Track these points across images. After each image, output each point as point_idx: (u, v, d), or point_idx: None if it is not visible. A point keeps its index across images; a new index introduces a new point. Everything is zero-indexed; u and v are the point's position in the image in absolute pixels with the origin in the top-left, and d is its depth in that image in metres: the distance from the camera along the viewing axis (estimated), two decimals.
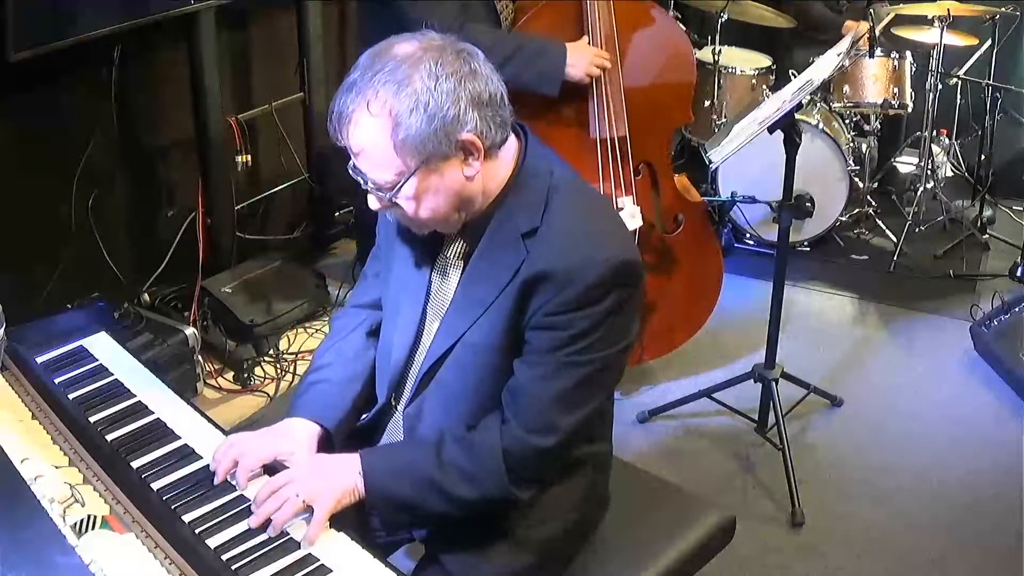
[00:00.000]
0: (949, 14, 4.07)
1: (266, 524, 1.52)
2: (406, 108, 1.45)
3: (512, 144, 1.61)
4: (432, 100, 1.46)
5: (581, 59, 2.82)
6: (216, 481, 1.60)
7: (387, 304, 1.77)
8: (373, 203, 1.58)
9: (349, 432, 1.79)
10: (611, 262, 1.55)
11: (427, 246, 1.70)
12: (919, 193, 4.35)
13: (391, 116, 1.46)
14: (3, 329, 1.78)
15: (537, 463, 1.62)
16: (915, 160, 4.55)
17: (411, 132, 1.46)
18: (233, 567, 1.44)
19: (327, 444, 1.74)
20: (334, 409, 1.76)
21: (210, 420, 1.77)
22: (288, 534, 1.51)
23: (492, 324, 1.60)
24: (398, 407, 1.78)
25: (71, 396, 1.79)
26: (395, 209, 1.56)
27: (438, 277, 1.70)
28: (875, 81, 4.16)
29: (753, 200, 3.48)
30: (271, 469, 1.64)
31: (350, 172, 1.56)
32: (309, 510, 1.54)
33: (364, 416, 1.84)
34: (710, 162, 2.91)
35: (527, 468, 1.62)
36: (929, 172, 4.37)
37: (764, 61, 4.47)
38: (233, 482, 1.61)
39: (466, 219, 1.60)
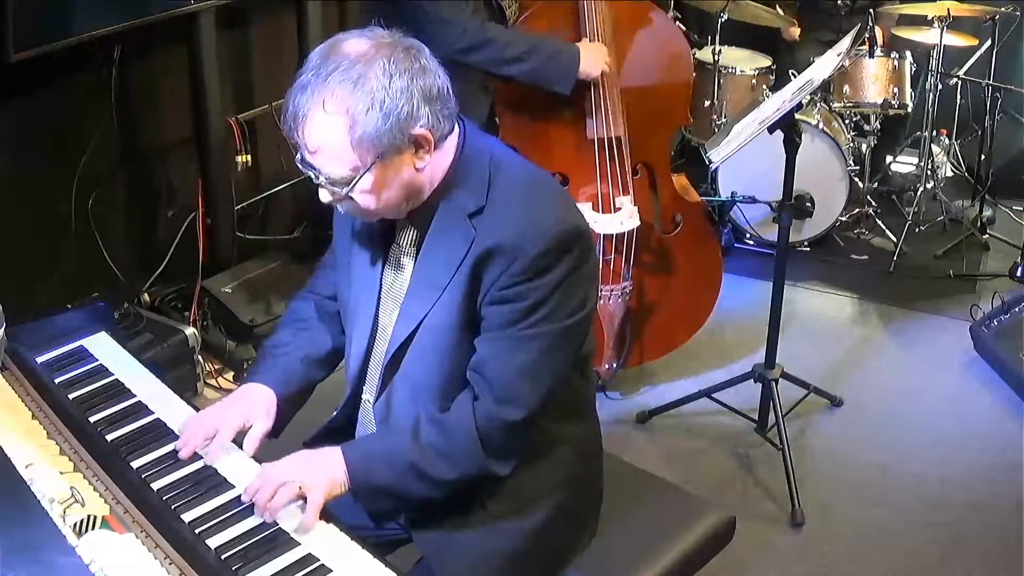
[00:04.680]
0: (949, 14, 4.07)
1: (268, 521, 1.54)
2: (362, 106, 1.49)
3: (453, 131, 1.64)
4: (387, 98, 1.49)
5: (594, 59, 2.84)
6: (184, 456, 1.64)
7: (348, 298, 1.80)
8: (325, 196, 1.61)
9: (300, 405, 1.84)
10: (555, 231, 1.58)
11: (381, 238, 1.73)
12: (919, 193, 4.35)
13: (348, 114, 1.50)
14: (3, 329, 1.78)
15: (510, 436, 1.65)
16: (915, 160, 4.55)
17: (367, 129, 1.50)
18: (233, 567, 1.44)
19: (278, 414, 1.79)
20: (291, 381, 1.81)
21: None
22: (288, 534, 1.52)
23: (449, 306, 1.64)
24: (367, 398, 1.80)
25: (71, 396, 1.79)
26: (348, 202, 1.60)
27: (393, 266, 1.73)
28: (875, 81, 4.17)
29: (753, 200, 3.49)
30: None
31: (299, 166, 1.59)
32: (301, 499, 1.56)
33: (335, 411, 1.87)
34: (710, 162, 2.91)
35: (501, 442, 1.65)
36: (929, 172, 4.37)
37: (764, 61, 4.47)
38: (202, 454, 1.65)
39: (414, 206, 1.64)
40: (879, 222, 4.43)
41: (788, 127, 2.71)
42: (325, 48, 1.54)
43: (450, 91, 1.58)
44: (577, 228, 1.62)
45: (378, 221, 1.68)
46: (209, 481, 1.61)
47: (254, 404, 1.75)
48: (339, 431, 1.86)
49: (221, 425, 1.69)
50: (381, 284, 1.73)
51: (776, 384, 3.00)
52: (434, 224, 1.64)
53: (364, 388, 1.81)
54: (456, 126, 1.65)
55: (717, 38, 4.31)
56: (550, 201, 1.65)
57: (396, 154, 1.54)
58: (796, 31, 4.54)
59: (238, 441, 1.72)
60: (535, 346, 1.61)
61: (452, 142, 1.63)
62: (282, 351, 1.85)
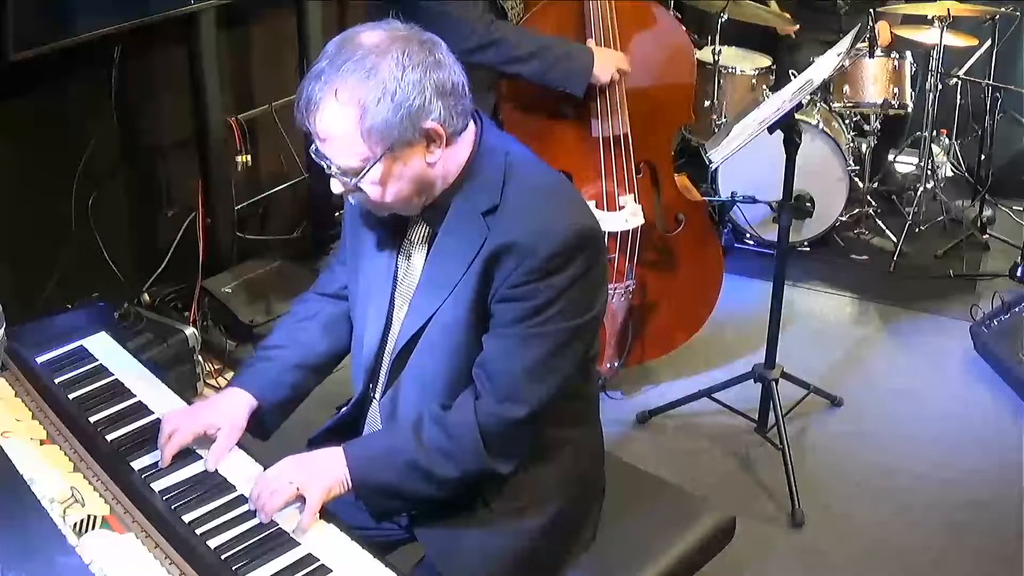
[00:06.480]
0: (949, 14, 4.08)
1: (266, 522, 1.54)
2: (373, 97, 1.49)
3: (470, 128, 1.64)
4: (399, 90, 1.50)
5: (608, 63, 2.84)
6: (161, 463, 1.64)
7: (358, 293, 1.80)
8: (336, 187, 1.61)
9: (290, 411, 1.85)
10: (569, 231, 1.58)
11: (391, 232, 1.73)
12: (919, 193, 4.35)
13: (359, 104, 1.50)
14: (3, 329, 1.78)
15: (512, 435, 1.65)
16: (915, 160, 4.55)
17: (377, 121, 1.50)
18: (233, 567, 1.44)
19: (260, 421, 1.79)
20: (274, 387, 1.81)
21: None
22: (288, 534, 1.52)
23: (459, 303, 1.64)
24: (376, 395, 1.80)
25: (71, 396, 1.79)
26: (358, 193, 1.60)
27: (404, 262, 1.74)
28: (875, 81, 4.16)
29: (753, 200, 3.48)
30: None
31: (312, 156, 1.60)
32: (300, 500, 1.56)
33: (344, 408, 1.87)
34: (710, 162, 2.92)
35: (503, 441, 1.65)
36: (929, 172, 4.37)
37: (764, 61, 4.47)
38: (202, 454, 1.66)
39: (427, 202, 1.64)
40: (879, 222, 4.43)
41: (788, 127, 2.71)
42: (342, 38, 1.55)
43: (466, 87, 1.58)
44: (590, 230, 1.62)
45: (389, 215, 1.68)
46: (209, 481, 1.61)
47: (223, 414, 1.73)
48: (345, 428, 1.86)
49: (180, 429, 1.67)
50: (395, 279, 1.74)
51: (776, 384, 3.00)
52: (447, 220, 1.64)
53: (373, 384, 1.81)
54: (473, 123, 1.65)
55: (717, 38, 4.31)
56: (564, 202, 1.66)
57: (406, 147, 1.54)
58: (792, 29, 4.52)
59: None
60: (542, 345, 1.61)
61: (468, 138, 1.63)
62: (273, 355, 1.85)
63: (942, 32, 4.13)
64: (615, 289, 3.06)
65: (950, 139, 4.66)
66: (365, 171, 1.55)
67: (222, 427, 1.70)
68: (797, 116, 2.78)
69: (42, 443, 1.65)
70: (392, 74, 1.49)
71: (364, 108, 1.50)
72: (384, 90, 1.49)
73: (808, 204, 3.97)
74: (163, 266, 3.49)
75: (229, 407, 1.75)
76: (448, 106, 1.55)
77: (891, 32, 4.40)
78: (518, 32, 2.81)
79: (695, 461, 3.07)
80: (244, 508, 1.56)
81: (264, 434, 1.82)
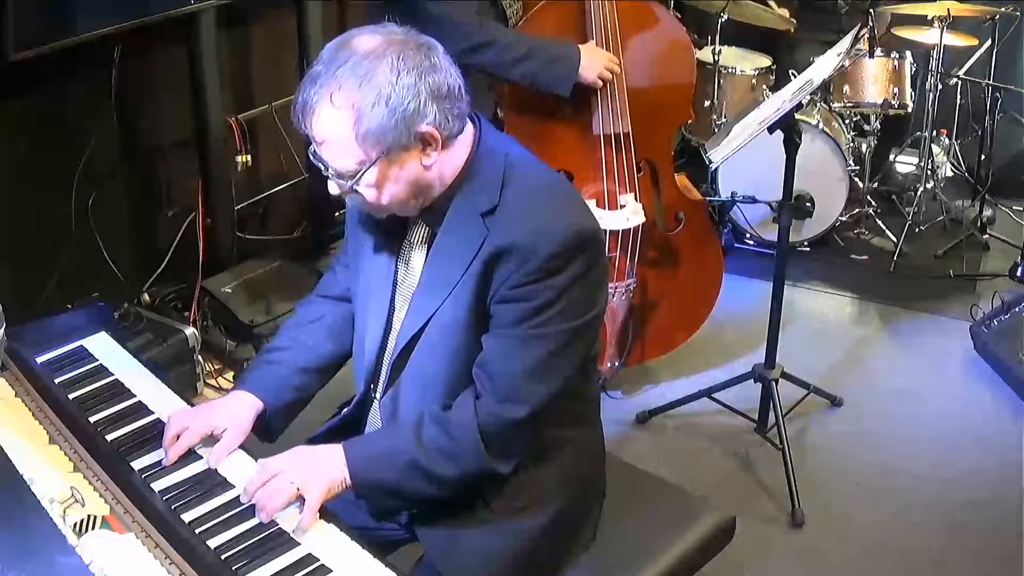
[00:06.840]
0: (949, 14, 4.08)
1: (266, 521, 1.54)
2: (368, 101, 1.50)
3: (468, 130, 1.65)
4: (394, 94, 1.51)
5: (594, 62, 2.84)
6: (166, 462, 1.64)
7: (358, 294, 1.81)
8: (333, 189, 1.63)
9: (295, 413, 1.85)
10: (569, 232, 1.59)
11: (391, 233, 1.74)
12: (919, 193, 4.35)
13: (354, 108, 1.51)
14: (3, 329, 1.78)
15: (512, 434, 1.66)
16: (915, 160, 4.55)
17: (372, 124, 1.51)
18: (233, 567, 1.44)
19: (266, 424, 1.79)
20: (279, 391, 1.81)
21: None
22: (288, 534, 1.52)
23: (459, 303, 1.64)
24: (376, 396, 1.81)
25: (71, 396, 1.79)
26: (355, 195, 1.61)
27: (403, 263, 1.74)
28: (875, 81, 4.17)
29: (753, 200, 3.49)
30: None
31: (311, 158, 1.61)
32: (300, 499, 1.56)
33: (345, 409, 1.88)
34: (710, 162, 2.92)
35: (504, 440, 1.65)
36: (929, 172, 4.37)
37: (764, 61, 4.47)
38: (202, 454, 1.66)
39: (424, 203, 1.65)
40: (879, 222, 4.43)
41: (788, 127, 2.72)
42: (338, 42, 1.56)
43: (462, 90, 1.59)
44: (590, 231, 1.63)
45: (389, 216, 1.69)
46: (209, 481, 1.61)
47: (228, 416, 1.73)
48: (346, 428, 1.86)
49: (184, 431, 1.67)
50: (395, 280, 1.74)
51: (776, 384, 3.00)
52: (446, 221, 1.65)
53: (374, 385, 1.81)
54: (471, 125, 1.65)
55: (717, 38, 4.31)
56: (564, 203, 1.66)
57: (402, 151, 1.55)
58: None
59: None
60: (542, 345, 1.62)
61: (465, 140, 1.64)
62: (278, 358, 1.85)
63: (942, 32, 4.13)
64: (616, 288, 3.06)
65: (950, 139, 4.66)
66: (360, 174, 1.56)
67: (227, 429, 1.71)
68: (797, 116, 2.78)
69: (42, 443, 1.65)
70: (387, 78, 1.50)
71: (359, 112, 1.51)
72: (379, 94, 1.50)
73: (808, 204, 3.97)
74: (163, 266, 3.49)
75: (234, 409, 1.75)
76: (444, 109, 1.55)
77: (883, 29, 4.40)
78: (510, 34, 2.83)
79: (695, 461, 3.07)
80: (244, 508, 1.55)
81: (270, 437, 1.82)
